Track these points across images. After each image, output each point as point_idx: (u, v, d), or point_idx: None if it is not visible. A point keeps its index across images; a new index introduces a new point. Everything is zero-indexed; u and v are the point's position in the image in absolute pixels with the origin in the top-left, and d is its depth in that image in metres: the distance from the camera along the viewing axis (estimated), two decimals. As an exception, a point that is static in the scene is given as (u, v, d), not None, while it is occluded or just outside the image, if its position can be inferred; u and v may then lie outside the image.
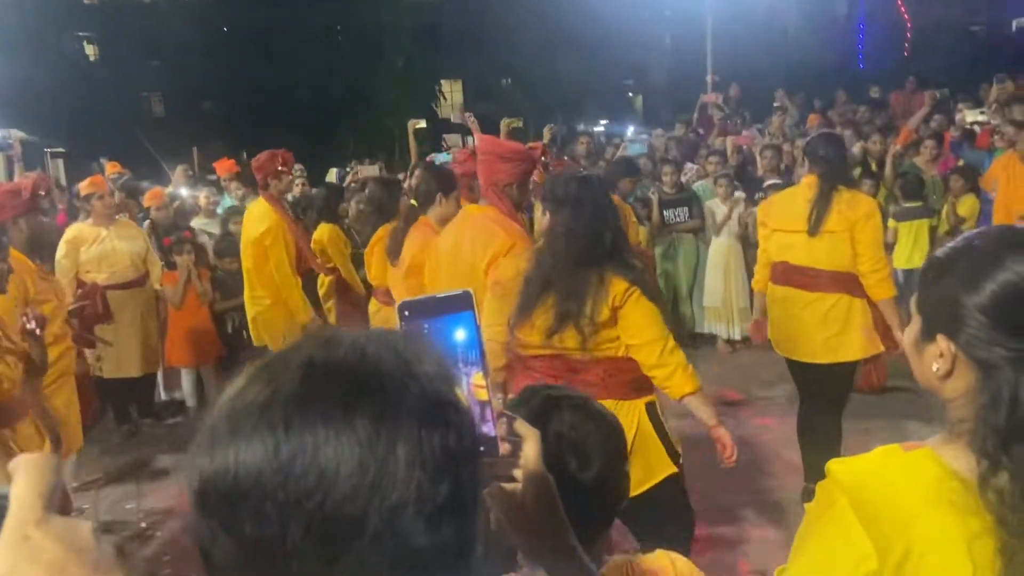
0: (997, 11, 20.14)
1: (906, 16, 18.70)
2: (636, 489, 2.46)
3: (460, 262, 3.39)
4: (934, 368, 1.14)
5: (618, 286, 2.61)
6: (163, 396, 6.21)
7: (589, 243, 2.63)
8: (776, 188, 6.65)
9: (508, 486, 0.96)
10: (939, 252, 1.19)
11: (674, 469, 2.69)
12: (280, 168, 5.16)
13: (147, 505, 4.71)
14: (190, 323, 5.83)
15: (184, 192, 7.17)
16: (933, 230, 6.44)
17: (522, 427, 0.97)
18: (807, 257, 3.88)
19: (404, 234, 4.15)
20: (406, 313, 0.91)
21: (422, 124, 7.77)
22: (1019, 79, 12.72)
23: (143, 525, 4.50)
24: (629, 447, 2.44)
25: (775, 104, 10.78)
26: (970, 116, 8.27)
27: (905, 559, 1.08)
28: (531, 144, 5.10)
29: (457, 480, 0.64)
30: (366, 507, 0.60)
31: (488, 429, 0.90)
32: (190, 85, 17.03)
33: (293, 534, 0.60)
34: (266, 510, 0.60)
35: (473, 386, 0.89)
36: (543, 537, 1.00)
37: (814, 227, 3.80)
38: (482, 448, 0.89)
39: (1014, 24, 20.58)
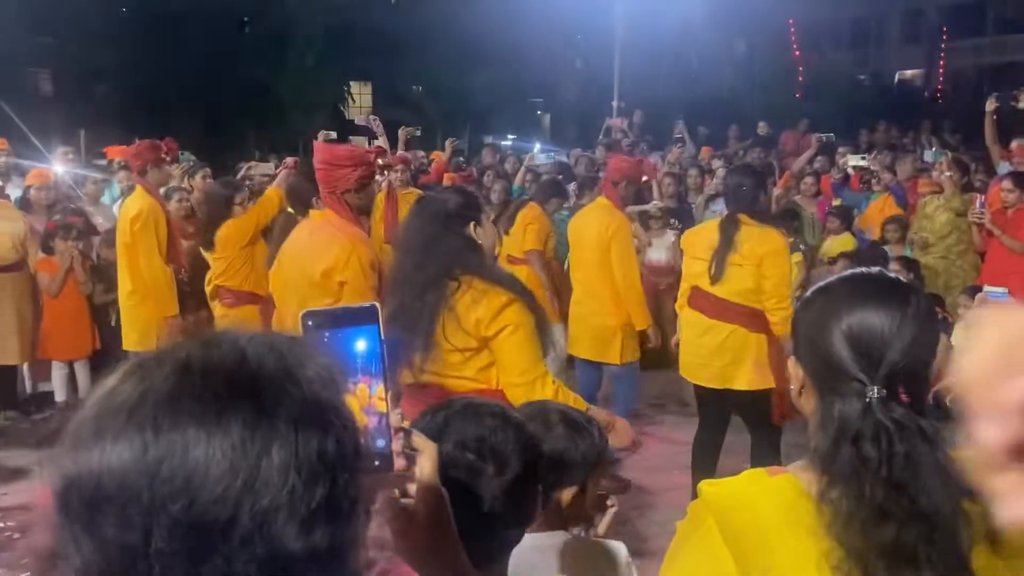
0: (881, 63, 21.51)
1: (799, 61, 19.73)
2: None
3: (295, 267, 3.34)
4: (791, 387, 1.28)
5: (494, 300, 2.49)
6: (28, 389, 5.86)
7: (427, 249, 2.55)
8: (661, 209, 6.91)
9: (404, 501, 0.96)
10: (811, 288, 1.30)
11: None
12: (163, 157, 4.99)
13: (6, 503, 4.44)
14: (67, 313, 5.54)
15: (61, 171, 6.80)
16: (801, 265, 6.75)
17: (420, 441, 0.97)
18: (712, 286, 4.00)
19: (281, 242, 4.02)
20: (309, 323, 0.91)
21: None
22: (896, 128, 13.67)
23: (1, 525, 4.24)
24: None
25: (675, 135, 11.17)
26: (852, 161, 8.82)
27: (765, 577, 1.15)
28: (434, 153, 5.14)
29: (333, 486, 0.64)
30: (236, 510, 0.60)
31: (384, 442, 0.91)
32: (83, 65, 16.17)
33: (157, 538, 0.59)
34: (130, 514, 0.59)
35: (374, 398, 0.90)
36: (433, 553, 1.00)
37: (719, 260, 3.92)
38: (377, 463, 0.90)
39: (896, 76, 22.01)
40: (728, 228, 3.96)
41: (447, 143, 8.45)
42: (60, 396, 5.66)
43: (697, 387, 4.20)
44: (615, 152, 10.46)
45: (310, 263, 3.23)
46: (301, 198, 4.07)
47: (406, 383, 2.61)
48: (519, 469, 1.30)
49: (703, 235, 4.19)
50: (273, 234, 4.39)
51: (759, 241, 3.90)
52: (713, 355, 4.01)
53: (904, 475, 1.10)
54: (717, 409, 4.18)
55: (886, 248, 6.49)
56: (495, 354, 2.53)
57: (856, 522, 1.11)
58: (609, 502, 1.84)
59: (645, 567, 1.91)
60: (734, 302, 3.94)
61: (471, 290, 2.52)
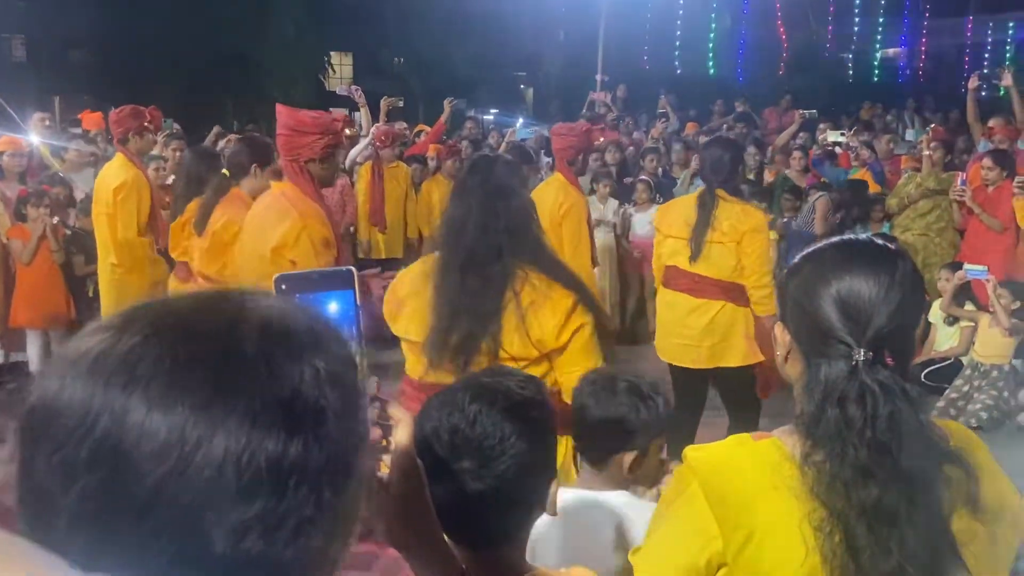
0: (864, 42, 21.53)
1: (784, 38, 19.71)
2: None
3: (249, 243, 3.19)
4: (777, 353, 1.29)
5: (559, 303, 2.20)
6: (1, 359, 5.79)
7: (476, 239, 2.22)
8: (647, 185, 6.90)
9: (379, 473, 0.95)
10: (800, 254, 1.31)
11: None
12: (145, 125, 4.88)
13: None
14: (40, 282, 5.46)
15: (36, 141, 6.67)
16: (776, 242, 6.81)
17: (395, 411, 0.96)
18: (686, 261, 3.89)
19: (213, 205, 3.93)
20: (283, 287, 0.89)
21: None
22: (878, 106, 13.72)
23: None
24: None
25: (659, 110, 11.14)
26: (831, 136, 8.87)
27: (747, 541, 1.16)
28: (420, 125, 5.07)
29: (279, 498, 0.57)
30: (156, 495, 0.54)
31: None
32: (58, 31, 15.85)
33: (74, 491, 0.55)
34: (59, 457, 0.56)
35: None
36: (408, 525, 0.99)
37: (698, 237, 3.80)
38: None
39: (879, 55, 22.06)
40: (707, 205, 3.84)
41: (445, 103, 8.37)
42: (35, 366, 5.59)
43: (677, 369, 4.07)
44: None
45: (261, 239, 3.07)
46: (243, 167, 3.89)
47: (418, 377, 2.34)
48: (514, 452, 1.21)
49: (678, 211, 4.05)
50: (205, 195, 4.13)
51: (739, 219, 3.81)
52: (703, 335, 3.89)
53: (887, 436, 1.11)
54: (698, 390, 4.09)
55: (860, 225, 6.53)
56: (557, 358, 2.25)
57: (839, 483, 1.12)
58: (669, 467, 1.89)
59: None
60: (716, 278, 3.84)
61: (533, 290, 2.21)
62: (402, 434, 0.96)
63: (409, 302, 2.35)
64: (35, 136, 6.85)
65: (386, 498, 0.96)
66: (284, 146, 3.13)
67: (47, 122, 6.96)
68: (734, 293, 3.86)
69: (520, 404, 1.24)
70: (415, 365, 2.35)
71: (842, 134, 9.09)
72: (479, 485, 1.19)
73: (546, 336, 2.21)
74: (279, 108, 3.20)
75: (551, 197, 4.65)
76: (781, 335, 1.28)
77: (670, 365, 4.12)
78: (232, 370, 0.57)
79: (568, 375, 2.21)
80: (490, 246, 2.22)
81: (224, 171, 4.14)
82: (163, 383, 0.56)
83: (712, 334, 3.89)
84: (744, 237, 3.78)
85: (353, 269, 0.93)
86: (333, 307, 0.90)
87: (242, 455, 0.55)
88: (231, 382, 0.57)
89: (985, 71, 8.09)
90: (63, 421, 0.56)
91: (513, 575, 1.20)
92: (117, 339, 0.58)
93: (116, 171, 4.84)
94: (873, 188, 7.16)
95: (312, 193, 3.12)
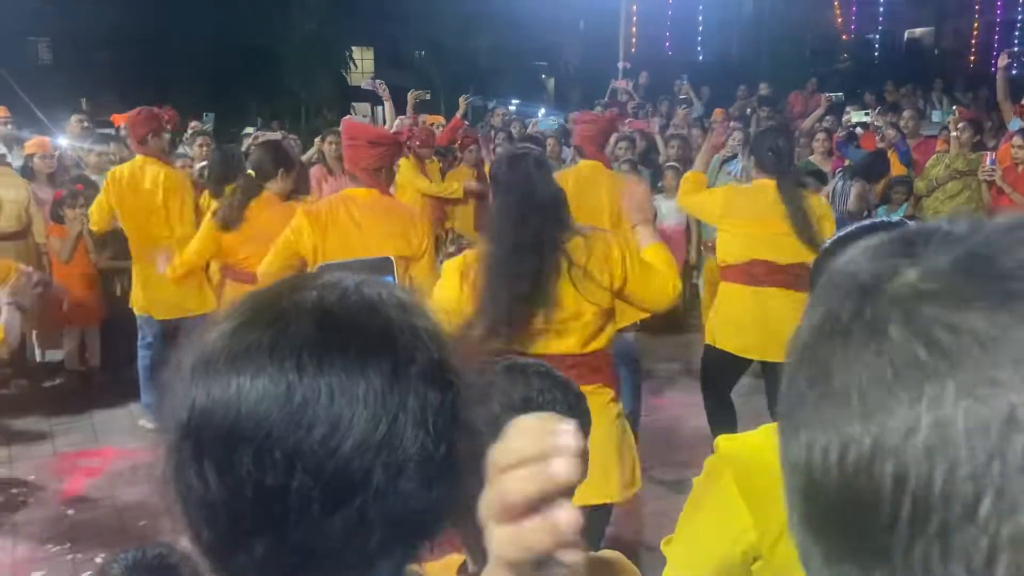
0: (890, 22, 21.17)
1: (808, 20, 19.43)
2: (603, 497, 2.45)
3: (360, 248, 3.18)
4: None
5: (600, 242, 2.50)
6: (38, 357, 5.89)
7: (519, 230, 2.47)
8: (676, 171, 6.85)
9: None
10: (832, 238, 1.29)
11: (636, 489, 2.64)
12: (163, 125, 5.06)
13: (18, 472, 4.49)
14: (77, 280, 5.55)
15: (65, 144, 6.75)
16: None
17: None
18: (777, 254, 3.78)
19: (245, 203, 4.15)
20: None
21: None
22: (904, 88, 13.50)
23: (14, 491, 4.29)
24: (617, 448, 2.53)
25: (680, 96, 11.04)
26: (856, 117, 8.74)
27: (783, 533, 1.14)
28: (432, 117, 5.10)
29: (451, 443, 0.64)
30: (373, 462, 0.60)
31: None
32: (82, 33, 16.03)
33: (302, 483, 0.59)
34: (273, 454, 0.58)
35: None
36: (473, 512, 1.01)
37: (804, 230, 3.67)
38: None
39: (906, 35, 21.69)
40: (793, 196, 3.73)
41: (460, 100, 8.39)
42: (72, 364, 5.68)
43: (744, 362, 3.97)
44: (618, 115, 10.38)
45: (403, 240, 3.20)
46: (267, 169, 4.20)
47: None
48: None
49: (747, 204, 3.87)
50: (235, 194, 4.29)
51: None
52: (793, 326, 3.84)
53: None
54: (756, 379, 4.11)
55: (883, 208, 6.41)
56: (630, 288, 2.53)
57: None
58: None
59: (658, 527, 1.92)
60: (800, 263, 3.67)
61: (580, 250, 2.49)
62: None
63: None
64: (63, 138, 6.94)
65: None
66: (353, 156, 3.46)
67: (84, 123, 7.04)
68: (807, 279, 3.82)
69: (566, 382, 1.34)
70: None
71: (867, 113, 8.95)
72: None
73: (615, 272, 2.50)
74: (351, 124, 3.65)
75: (606, 187, 4.39)
76: None
77: (731, 356, 3.97)
78: (399, 342, 0.63)
79: (647, 292, 2.56)
80: (531, 232, 2.46)
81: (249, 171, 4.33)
82: (357, 363, 0.61)
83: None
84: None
85: (392, 257, 0.94)
86: None
87: (427, 412, 0.62)
88: (404, 352, 0.63)
89: (1015, 49, 7.91)
90: (263, 421, 0.59)
91: None
92: (285, 328, 0.61)
93: (153, 171, 4.91)
94: (899, 169, 7.05)
95: (389, 194, 3.55)
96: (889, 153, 7.35)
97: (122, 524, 3.91)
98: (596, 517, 2.42)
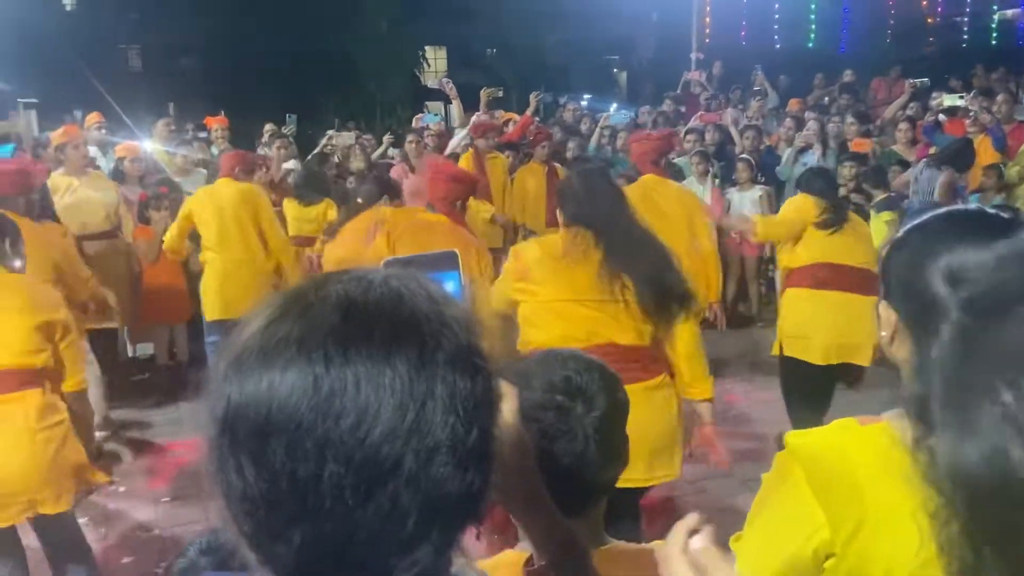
0: (979, 4, 20.21)
1: (891, 3, 18.73)
2: (668, 476, 2.70)
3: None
4: (883, 333, 1.23)
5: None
6: (129, 352, 6.16)
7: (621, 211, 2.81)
8: (748, 164, 6.70)
9: None
10: (903, 228, 1.24)
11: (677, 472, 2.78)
12: (253, 167, 5.81)
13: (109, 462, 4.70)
14: (165, 279, 5.78)
15: (149, 148, 7.04)
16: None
17: (503, 386, 0.98)
18: (851, 258, 3.93)
19: (345, 222, 4.50)
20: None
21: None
22: (994, 72, 12.86)
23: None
24: (680, 432, 2.70)
25: (755, 87, 10.79)
26: (948, 101, 8.38)
27: (858, 530, 1.11)
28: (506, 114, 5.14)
29: (482, 427, 0.65)
30: (403, 449, 0.61)
31: None
32: (169, 40, 16.70)
33: (333, 472, 0.60)
34: (304, 445, 0.60)
35: None
36: (521, 497, 1.02)
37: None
38: None
39: (996, 17, 20.69)
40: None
41: (531, 97, 8.41)
42: (162, 359, 5.93)
43: (830, 368, 3.97)
44: (691, 107, 10.22)
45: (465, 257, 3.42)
46: (374, 196, 4.79)
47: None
48: (605, 406, 1.31)
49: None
50: (341, 215, 5.03)
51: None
52: (874, 330, 3.86)
53: None
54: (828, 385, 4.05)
55: (975, 196, 6.12)
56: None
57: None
58: None
59: (728, 524, 1.89)
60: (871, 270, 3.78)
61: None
62: (508, 408, 0.98)
63: (538, 267, 2.78)
64: (150, 142, 7.23)
65: (500, 473, 0.99)
66: (434, 189, 3.83)
67: (172, 127, 7.34)
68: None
69: (601, 365, 1.38)
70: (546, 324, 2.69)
71: (960, 97, 8.57)
72: (559, 453, 1.25)
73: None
74: (435, 160, 4.28)
75: (675, 197, 4.54)
76: (886, 314, 1.22)
77: (816, 368, 3.99)
78: (424, 328, 0.64)
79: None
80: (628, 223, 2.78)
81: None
82: (383, 351, 0.62)
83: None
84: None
85: (457, 251, 0.96)
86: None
87: (455, 397, 0.63)
88: (430, 339, 0.64)
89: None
90: (293, 413, 0.60)
91: (595, 545, 1.25)
92: (312, 320, 0.63)
93: (242, 187, 5.29)
94: (992, 155, 6.73)
95: (463, 223, 3.93)
96: (981, 138, 7.02)
97: (206, 512, 4.07)
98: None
